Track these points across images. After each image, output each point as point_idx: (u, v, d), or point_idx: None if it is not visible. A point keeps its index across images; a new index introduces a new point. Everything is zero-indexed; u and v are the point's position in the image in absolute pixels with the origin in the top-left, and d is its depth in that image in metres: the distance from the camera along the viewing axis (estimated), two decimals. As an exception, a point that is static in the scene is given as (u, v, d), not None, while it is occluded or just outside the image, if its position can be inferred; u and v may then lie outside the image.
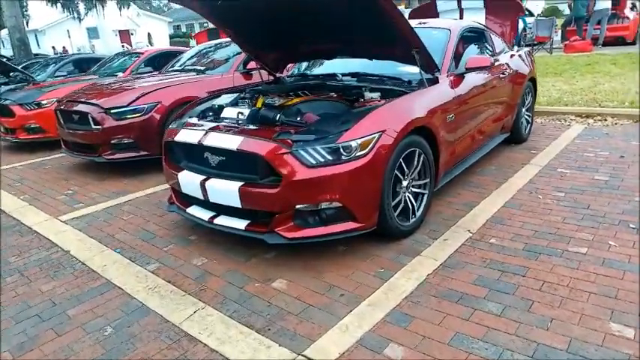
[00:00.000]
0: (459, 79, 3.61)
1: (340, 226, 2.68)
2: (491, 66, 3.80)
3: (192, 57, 6.52)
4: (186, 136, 2.95)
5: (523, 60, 5.03)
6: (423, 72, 3.26)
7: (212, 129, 2.92)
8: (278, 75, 4.34)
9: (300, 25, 3.46)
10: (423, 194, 3.18)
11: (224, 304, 2.48)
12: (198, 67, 5.87)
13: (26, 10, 16.53)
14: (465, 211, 3.47)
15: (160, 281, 2.74)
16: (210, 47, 6.69)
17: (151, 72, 6.99)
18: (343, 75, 3.80)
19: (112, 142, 4.76)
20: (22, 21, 14.40)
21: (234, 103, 3.49)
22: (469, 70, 3.64)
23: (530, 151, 4.89)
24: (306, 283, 2.62)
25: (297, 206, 2.62)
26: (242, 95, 3.66)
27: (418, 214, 3.13)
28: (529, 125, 5.31)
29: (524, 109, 5.06)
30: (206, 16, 3.58)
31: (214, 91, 5.17)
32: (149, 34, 35.82)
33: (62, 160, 5.89)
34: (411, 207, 3.06)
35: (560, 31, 13.66)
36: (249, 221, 2.79)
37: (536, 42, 12.10)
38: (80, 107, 4.90)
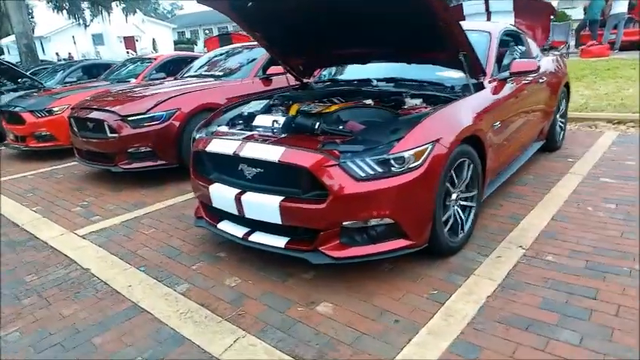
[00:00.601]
0: (502, 84, 3.39)
1: (390, 244, 2.45)
2: (537, 70, 3.58)
3: (207, 62, 6.32)
4: (219, 146, 2.72)
5: (558, 64, 4.81)
6: (469, 77, 3.04)
7: (247, 138, 2.71)
8: (305, 80, 4.12)
9: (333, 29, 3.26)
10: (471, 207, 2.95)
11: (266, 331, 2.24)
12: (216, 73, 5.66)
13: (32, 17, 16.40)
14: (511, 224, 3.23)
15: (192, 304, 2.51)
16: (225, 52, 6.49)
17: (164, 78, 6.78)
18: (378, 80, 3.58)
19: (129, 150, 4.54)
20: (29, 27, 14.28)
21: (266, 111, 3.28)
22: (514, 74, 3.42)
23: (566, 159, 4.66)
24: (354, 307, 2.39)
25: (344, 223, 2.39)
26: (272, 102, 3.45)
27: (466, 228, 2.90)
28: (562, 132, 5.08)
29: (557, 115, 4.84)
30: (234, 18, 3.38)
31: (235, 97, 5.00)
32: (154, 41, 35.82)
33: (74, 169, 5.68)
34: (460, 221, 2.84)
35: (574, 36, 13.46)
36: (288, 238, 2.57)
37: (552, 46, 11.88)
38: (95, 114, 4.69)
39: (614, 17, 11.80)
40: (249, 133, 2.87)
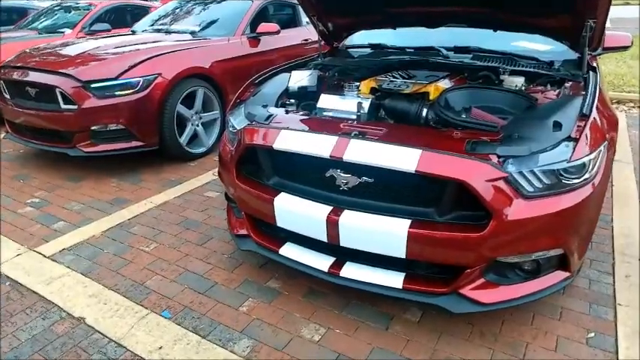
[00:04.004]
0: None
1: (549, 280, 1.81)
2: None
3: (171, 14, 5.09)
4: (299, 142, 1.84)
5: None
6: (588, 52, 2.41)
7: (336, 131, 1.86)
8: (335, 45, 3.26)
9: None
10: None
11: None
12: (191, 28, 4.51)
13: None
14: (604, 228, 2.76)
15: (274, 379, 1.71)
16: (194, 2, 5.24)
17: (109, 30, 5.44)
18: (446, 49, 2.82)
19: (94, 128, 3.40)
20: None
21: (325, 87, 2.42)
22: (607, 50, 2.87)
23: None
24: (506, 368, 1.75)
25: (500, 258, 1.71)
26: (325, 74, 2.58)
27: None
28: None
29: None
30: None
31: (223, 60, 4.01)
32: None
33: (2, 146, 4.33)
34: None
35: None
36: (403, 274, 1.83)
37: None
38: (42, 78, 3.44)
39: None
40: (330, 120, 2.03)
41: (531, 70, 2.44)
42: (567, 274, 1.84)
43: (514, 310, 2.03)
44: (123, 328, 1.95)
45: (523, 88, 2.31)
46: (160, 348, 1.85)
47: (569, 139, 1.71)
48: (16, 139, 3.83)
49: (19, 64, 3.68)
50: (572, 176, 1.68)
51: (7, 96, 3.72)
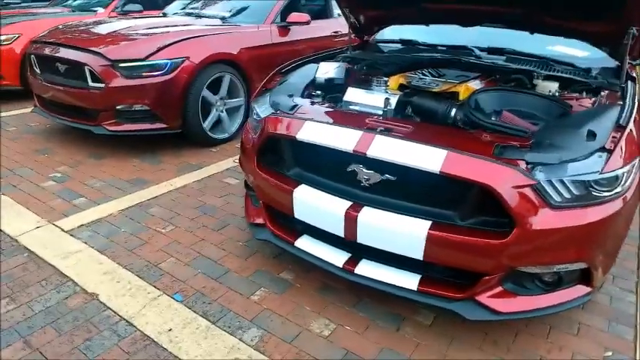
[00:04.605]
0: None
1: (569, 293, 1.75)
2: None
3: (203, -1, 5.10)
4: (324, 135, 1.81)
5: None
6: (628, 61, 2.31)
7: (362, 126, 1.83)
8: (365, 38, 3.22)
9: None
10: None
11: None
12: (221, 14, 4.51)
13: None
14: (630, 244, 2.66)
15: (281, 371, 1.70)
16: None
17: (141, 12, 5.50)
18: (480, 49, 2.75)
19: (119, 108, 3.43)
20: None
21: (353, 80, 2.38)
22: (648, 59, 2.75)
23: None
24: (519, 382, 1.70)
25: (521, 267, 1.66)
26: (354, 67, 2.55)
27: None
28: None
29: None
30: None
31: (251, 48, 4.00)
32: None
33: (29, 120, 4.41)
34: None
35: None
36: (419, 276, 1.79)
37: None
38: (72, 54, 3.48)
39: None
40: (349, 114, 2.00)
41: (567, 75, 2.36)
42: (589, 289, 1.77)
43: (530, 321, 1.98)
44: (134, 308, 1.97)
45: (557, 94, 2.23)
46: (170, 330, 1.86)
47: (602, 149, 1.64)
48: (43, 114, 3.90)
49: (50, 40, 3.73)
50: (603, 189, 1.61)
51: (38, 70, 3.79)
